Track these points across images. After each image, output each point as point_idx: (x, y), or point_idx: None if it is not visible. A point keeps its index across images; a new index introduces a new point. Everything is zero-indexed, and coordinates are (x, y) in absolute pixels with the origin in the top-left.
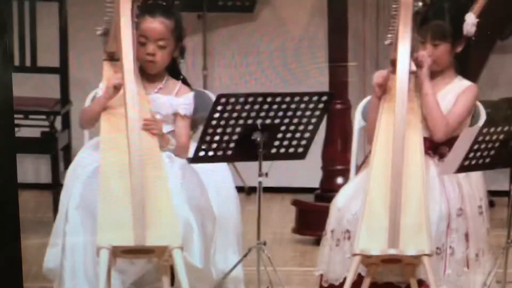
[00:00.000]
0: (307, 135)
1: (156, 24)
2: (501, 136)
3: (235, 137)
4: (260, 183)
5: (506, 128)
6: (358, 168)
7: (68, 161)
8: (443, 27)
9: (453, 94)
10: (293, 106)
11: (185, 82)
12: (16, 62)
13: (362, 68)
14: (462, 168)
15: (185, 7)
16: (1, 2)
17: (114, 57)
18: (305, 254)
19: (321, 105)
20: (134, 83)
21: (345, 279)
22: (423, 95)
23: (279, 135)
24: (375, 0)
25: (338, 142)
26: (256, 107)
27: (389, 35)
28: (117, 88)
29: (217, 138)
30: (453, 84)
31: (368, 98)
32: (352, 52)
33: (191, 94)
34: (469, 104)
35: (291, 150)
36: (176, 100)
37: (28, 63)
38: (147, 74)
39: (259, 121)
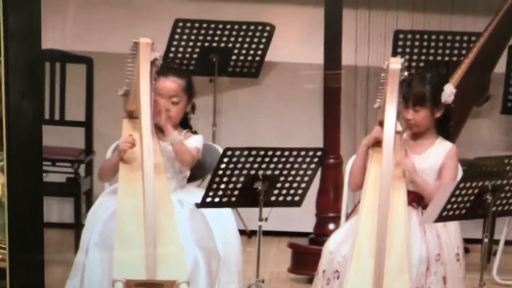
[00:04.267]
0: (303, 185)
1: (168, 83)
2: (476, 191)
3: (239, 186)
4: (260, 227)
5: (480, 184)
6: (348, 216)
7: (89, 203)
8: (424, 95)
9: (437, 153)
10: (291, 159)
11: (195, 133)
12: (47, 115)
13: (353, 128)
14: (440, 218)
15: (199, 72)
16: (36, 64)
17: (133, 115)
18: None
19: (316, 159)
20: (150, 139)
21: None
22: (414, 181)
23: (278, 185)
24: (366, 69)
25: (330, 192)
26: (258, 159)
27: (378, 100)
28: (125, 151)
29: (223, 186)
30: (436, 145)
31: None
32: (344, 114)
33: (199, 135)
34: (456, 164)
35: (289, 198)
36: (186, 140)
37: (57, 117)
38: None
39: (260, 172)
